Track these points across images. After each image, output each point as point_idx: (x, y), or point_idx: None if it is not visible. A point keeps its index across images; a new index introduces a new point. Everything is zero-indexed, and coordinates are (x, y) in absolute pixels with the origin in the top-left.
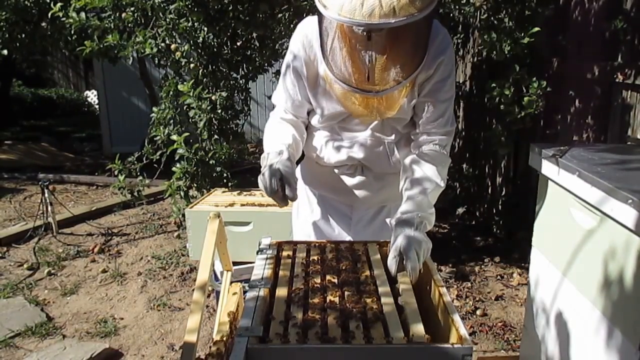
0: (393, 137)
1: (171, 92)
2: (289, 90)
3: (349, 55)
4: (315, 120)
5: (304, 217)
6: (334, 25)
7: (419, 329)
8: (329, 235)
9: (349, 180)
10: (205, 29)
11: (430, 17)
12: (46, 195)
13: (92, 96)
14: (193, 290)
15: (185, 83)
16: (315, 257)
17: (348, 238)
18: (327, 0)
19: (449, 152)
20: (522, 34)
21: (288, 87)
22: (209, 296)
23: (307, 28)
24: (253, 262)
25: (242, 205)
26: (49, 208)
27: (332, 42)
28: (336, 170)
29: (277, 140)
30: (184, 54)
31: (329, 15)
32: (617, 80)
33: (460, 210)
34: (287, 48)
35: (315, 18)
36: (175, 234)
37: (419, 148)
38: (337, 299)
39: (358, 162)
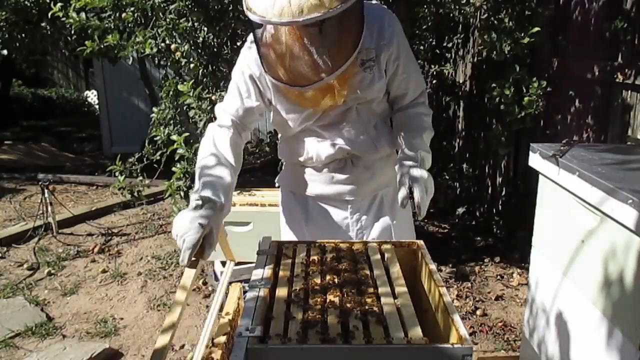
0: (372, 121)
1: (171, 92)
2: (242, 93)
3: (280, 54)
4: (291, 128)
5: (298, 223)
6: (254, 26)
7: (416, 331)
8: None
9: (340, 176)
10: (205, 29)
11: (353, 8)
12: (46, 195)
13: (92, 96)
14: (193, 290)
15: (185, 83)
16: (316, 257)
17: (344, 224)
18: (251, 3)
19: (428, 104)
20: (522, 34)
21: (241, 90)
22: (208, 296)
23: (246, 51)
24: (253, 262)
25: (242, 205)
26: (49, 208)
27: (264, 45)
28: (326, 169)
29: (210, 169)
30: (184, 54)
31: (250, 16)
32: (617, 80)
33: (460, 210)
34: None
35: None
36: None
37: (407, 109)
38: (337, 299)
39: (347, 154)
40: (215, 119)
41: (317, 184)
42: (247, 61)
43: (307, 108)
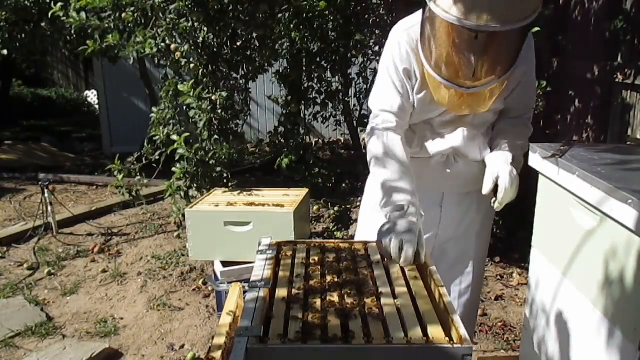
0: (483, 127)
1: (171, 92)
2: (399, 89)
3: (450, 50)
4: (410, 120)
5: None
6: (437, 21)
7: (416, 331)
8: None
9: (441, 169)
10: (205, 29)
11: (529, 25)
12: (46, 195)
13: (92, 96)
14: (193, 290)
15: (185, 83)
16: (316, 257)
17: (432, 214)
18: (444, 4)
19: (530, 123)
20: None
21: (398, 87)
22: (208, 296)
23: (401, 37)
24: (253, 262)
25: (242, 205)
26: (49, 208)
27: (435, 35)
28: (431, 161)
29: (397, 181)
30: (184, 54)
31: (438, 12)
32: (617, 80)
33: None
34: (287, 48)
35: (408, 22)
36: (175, 234)
37: (513, 118)
38: (337, 299)
39: (453, 151)
40: (217, 119)
41: (417, 170)
42: (400, 56)
43: (442, 108)
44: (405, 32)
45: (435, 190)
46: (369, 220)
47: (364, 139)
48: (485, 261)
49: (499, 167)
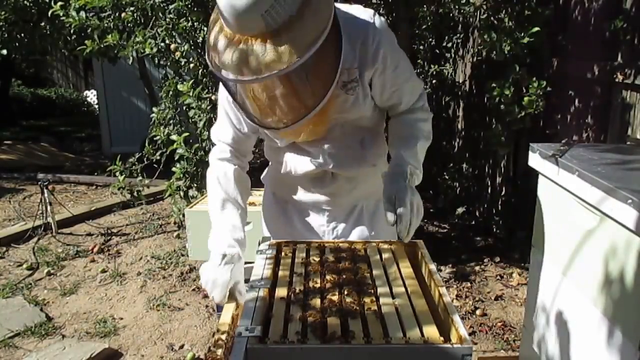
0: (358, 137)
1: (171, 92)
2: (233, 122)
3: (247, 100)
4: (275, 143)
5: (277, 225)
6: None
7: (415, 332)
8: (308, 237)
9: (319, 187)
10: (205, 28)
11: (324, 43)
12: (45, 195)
13: (91, 96)
14: (192, 290)
15: (185, 83)
16: (315, 257)
17: (322, 229)
18: (212, 54)
19: (427, 107)
20: (522, 34)
21: (231, 118)
22: (208, 296)
23: None
24: (253, 262)
25: None
26: (49, 208)
27: (236, 90)
28: (305, 180)
29: (220, 216)
30: (184, 54)
31: (212, 68)
32: (617, 80)
33: (460, 210)
34: None
35: None
36: (175, 234)
37: (402, 115)
38: (336, 299)
39: (322, 168)
40: (216, 119)
41: (295, 190)
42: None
43: (289, 139)
44: None
45: (318, 207)
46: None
47: None
48: None
49: (397, 193)
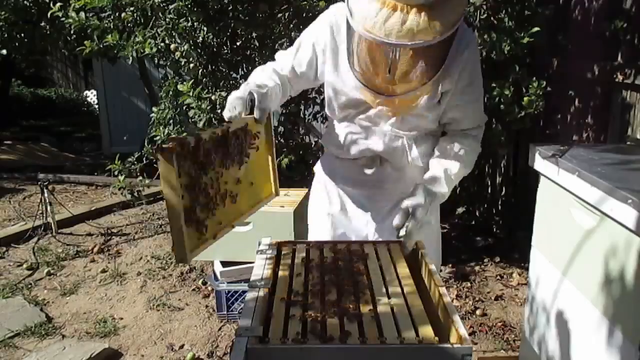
0: (412, 133)
1: (171, 92)
2: (298, 56)
3: (369, 59)
4: (334, 109)
5: (321, 209)
6: (356, 34)
7: (416, 332)
8: (345, 227)
9: (367, 172)
10: (205, 29)
11: (452, 35)
12: (45, 195)
13: (91, 96)
14: (192, 290)
15: (185, 83)
16: (315, 258)
17: (365, 232)
18: (354, 7)
19: (480, 140)
20: (522, 34)
21: (299, 54)
22: (208, 296)
23: (338, 14)
24: (253, 262)
25: None
26: (49, 208)
27: (356, 42)
28: (356, 163)
29: (261, 79)
30: (184, 54)
31: (352, 24)
32: (617, 80)
33: (460, 210)
34: (286, 48)
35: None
36: None
37: (453, 136)
38: (336, 299)
39: (376, 155)
40: (217, 119)
41: (345, 175)
42: (320, 32)
43: (360, 98)
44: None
45: (363, 195)
46: (311, 220)
47: None
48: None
49: (415, 207)
